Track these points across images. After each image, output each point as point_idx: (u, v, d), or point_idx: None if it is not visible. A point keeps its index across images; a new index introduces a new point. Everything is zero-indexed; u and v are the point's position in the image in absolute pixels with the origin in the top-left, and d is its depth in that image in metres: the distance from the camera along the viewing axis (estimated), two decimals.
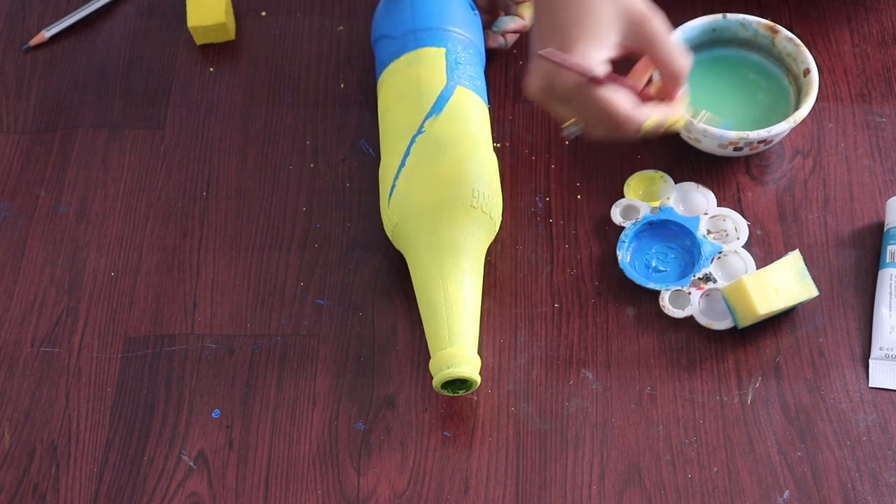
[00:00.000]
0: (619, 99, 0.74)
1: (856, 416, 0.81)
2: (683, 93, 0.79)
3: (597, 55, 0.74)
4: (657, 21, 0.76)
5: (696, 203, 0.90)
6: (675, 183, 0.91)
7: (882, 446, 0.80)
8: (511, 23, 0.95)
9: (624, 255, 0.88)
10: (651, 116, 0.76)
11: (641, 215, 0.89)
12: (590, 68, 0.73)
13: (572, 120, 0.78)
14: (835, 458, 0.80)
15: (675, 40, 0.77)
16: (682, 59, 0.77)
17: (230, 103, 0.98)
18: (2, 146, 0.97)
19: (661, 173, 0.91)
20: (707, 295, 0.86)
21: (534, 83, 0.75)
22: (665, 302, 0.86)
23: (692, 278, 0.86)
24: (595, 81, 0.73)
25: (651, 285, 0.86)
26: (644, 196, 0.91)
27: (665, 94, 0.79)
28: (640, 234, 0.89)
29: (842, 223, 0.89)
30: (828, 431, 0.81)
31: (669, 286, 0.86)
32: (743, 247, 0.88)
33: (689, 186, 0.91)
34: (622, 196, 0.91)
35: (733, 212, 0.89)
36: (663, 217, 0.89)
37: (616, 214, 0.90)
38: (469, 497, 0.80)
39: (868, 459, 0.80)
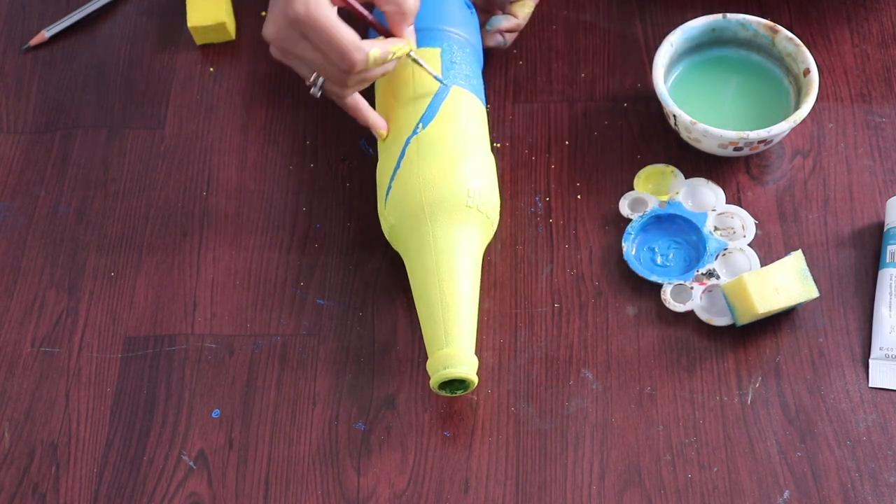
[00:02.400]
0: (345, 29, 0.78)
1: (856, 416, 0.81)
2: (411, 34, 0.83)
3: None
4: None
5: (705, 199, 0.90)
6: (686, 178, 0.91)
7: (882, 446, 0.80)
8: (504, 21, 0.95)
9: (629, 248, 0.88)
10: (374, 47, 0.79)
11: (649, 208, 0.90)
12: (308, 8, 0.76)
13: (314, 74, 0.81)
14: (835, 458, 0.80)
15: None
16: (410, 1, 0.81)
17: (230, 103, 0.98)
18: (2, 146, 0.97)
19: (671, 168, 0.91)
20: (709, 291, 0.86)
21: (269, 25, 0.79)
22: (666, 295, 0.86)
23: (695, 273, 0.86)
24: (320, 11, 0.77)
25: (654, 278, 0.86)
26: (654, 190, 0.91)
27: (394, 32, 0.83)
28: (647, 227, 0.89)
29: (842, 223, 0.89)
30: (828, 431, 0.81)
31: (672, 280, 0.86)
32: (749, 245, 0.88)
33: (699, 182, 0.91)
34: (622, 196, 0.91)
35: (741, 209, 0.89)
36: (671, 211, 0.89)
37: (624, 206, 0.90)
38: (469, 497, 0.80)
39: (868, 459, 0.80)
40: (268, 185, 0.94)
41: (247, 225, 0.92)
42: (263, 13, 1.02)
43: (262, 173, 0.94)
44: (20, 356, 0.87)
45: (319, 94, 0.83)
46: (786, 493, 0.79)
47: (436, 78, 0.85)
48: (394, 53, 0.82)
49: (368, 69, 0.81)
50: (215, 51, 1.01)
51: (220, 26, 1.00)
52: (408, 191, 0.83)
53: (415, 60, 0.85)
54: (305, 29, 0.78)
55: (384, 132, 0.86)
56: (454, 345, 0.79)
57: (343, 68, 0.79)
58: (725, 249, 0.87)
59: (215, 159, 0.95)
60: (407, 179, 0.83)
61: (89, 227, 0.92)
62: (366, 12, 0.82)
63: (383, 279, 0.88)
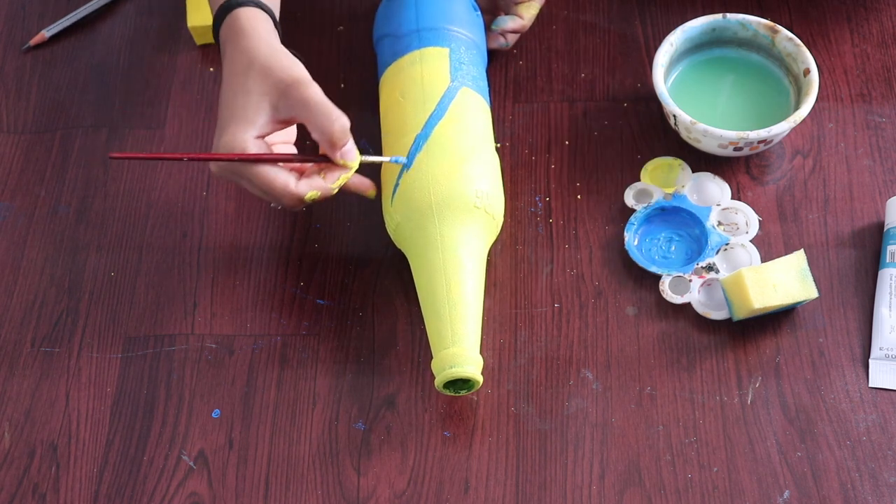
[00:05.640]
0: (275, 175, 0.78)
1: (856, 416, 0.81)
2: (347, 154, 0.80)
3: (245, 135, 0.77)
4: (309, 86, 0.78)
5: (711, 193, 0.90)
6: (693, 172, 0.91)
7: (882, 446, 0.80)
8: (510, 22, 0.95)
9: (631, 238, 0.88)
10: (310, 190, 0.79)
11: (654, 200, 0.90)
12: (234, 154, 0.77)
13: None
14: (835, 458, 0.80)
15: (329, 103, 0.78)
16: (337, 122, 0.78)
17: None
18: (2, 146, 0.97)
19: (678, 161, 0.91)
20: (708, 285, 0.86)
21: (211, 164, 0.80)
22: (665, 286, 0.86)
23: (695, 266, 0.86)
24: (244, 159, 0.77)
25: (654, 269, 0.86)
26: (660, 182, 0.91)
27: (329, 157, 0.80)
28: (651, 218, 0.89)
29: (842, 223, 0.89)
30: (828, 431, 0.81)
31: (672, 272, 0.86)
32: (751, 241, 0.88)
33: (706, 176, 0.91)
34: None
35: (746, 205, 0.89)
36: (675, 204, 0.89)
37: (629, 197, 0.90)
38: (469, 497, 0.80)
39: (868, 459, 0.80)
40: None
41: (247, 225, 0.92)
42: None
43: None
44: (20, 356, 0.87)
45: (280, 207, 0.84)
46: (786, 493, 0.79)
47: (392, 161, 0.83)
48: (337, 182, 0.81)
49: (322, 198, 0.80)
50: (215, 51, 1.01)
51: None
52: (415, 190, 0.83)
53: (367, 162, 0.83)
54: (238, 176, 0.79)
55: (373, 192, 0.85)
56: (460, 344, 0.79)
57: (284, 205, 0.80)
58: (727, 244, 0.87)
59: None
60: (415, 179, 0.83)
61: (89, 227, 0.92)
62: (288, 157, 0.80)
63: (383, 279, 0.88)
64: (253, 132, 0.78)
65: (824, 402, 0.82)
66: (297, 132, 0.85)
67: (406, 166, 0.83)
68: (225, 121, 0.79)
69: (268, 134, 0.79)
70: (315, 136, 0.79)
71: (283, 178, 0.78)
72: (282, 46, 0.80)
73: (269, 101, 0.78)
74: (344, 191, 0.83)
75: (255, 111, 0.78)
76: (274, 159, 0.78)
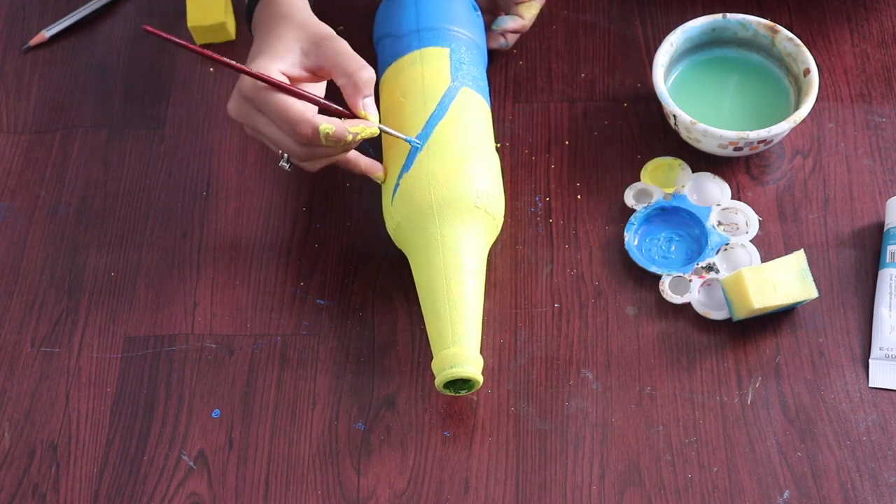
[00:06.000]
0: (293, 101, 0.79)
1: (856, 416, 0.81)
2: (368, 105, 0.81)
3: (271, 66, 0.79)
4: (337, 41, 0.81)
5: (711, 193, 0.90)
6: (693, 172, 0.91)
7: (882, 446, 0.80)
8: (510, 22, 0.95)
9: (631, 238, 0.88)
10: (325, 122, 0.79)
11: (654, 200, 0.90)
12: (258, 73, 0.78)
13: (285, 155, 0.83)
14: (835, 458, 0.80)
15: (358, 56, 0.81)
16: (365, 69, 0.81)
17: None
18: (2, 146, 0.97)
19: (679, 161, 0.91)
20: (708, 285, 0.86)
21: (231, 102, 0.81)
22: (665, 286, 0.86)
23: (695, 266, 0.86)
24: (268, 83, 0.78)
25: (654, 269, 0.86)
26: (660, 182, 0.91)
27: (350, 107, 0.82)
28: (651, 218, 0.89)
29: (842, 223, 0.89)
30: (828, 431, 0.81)
31: (672, 272, 0.86)
32: (751, 241, 0.88)
33: (706, 176, 0.91)
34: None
35: (746, 205, 0.89)
36: (675, 204, 0.89)
37: (629, 197, 0.90)
38: (469, 497, 0.80)
39: (868, 459, 0.80)
40: (268, 185, 0.94)
41: (247, 225, 0.92)
42: None
43: (262, 173, 0.94)
44: (20, 356, 0.87)
45: (289, 167, 0.84)
46: (786, 493, 0.79)
47: (406, 140, 0.84)
48: (357, 134, 0.80)
49: (329, 145, 0.80)
50: (215, 51, 1.01)
51: (220, 26, 1.00)
52: (416, 190, 0.83)
53: (384, 131, 0.83)
54: (257, 102, 0.79)
55: (382, 174, 0.86)
56: (460, 344, 0.79)
57: (296, 140, 0.80)
58: (727, 244, 0.87)
59: (215, 159, 0.95)
60: (415, 178, 0.83)
61: (89, 227, 0.92)
62: (311, 94, 0.81)
63: (383, 279, 0.88)
64: (279, 65, 0.80)
65: (824, 402, 0.82)
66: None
67: (418, 148, 0.84)
68: (253, 55, 0.81)
69: (293, 77, 0.81)
70: (340, 82, 0.81)
71: (301, 105, 0.79)
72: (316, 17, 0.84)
73: (299, 46, 0.81)
74: (354, 170, 0.84)
75: (285, 50, 0.80)
76: (297, 93, 0.79)
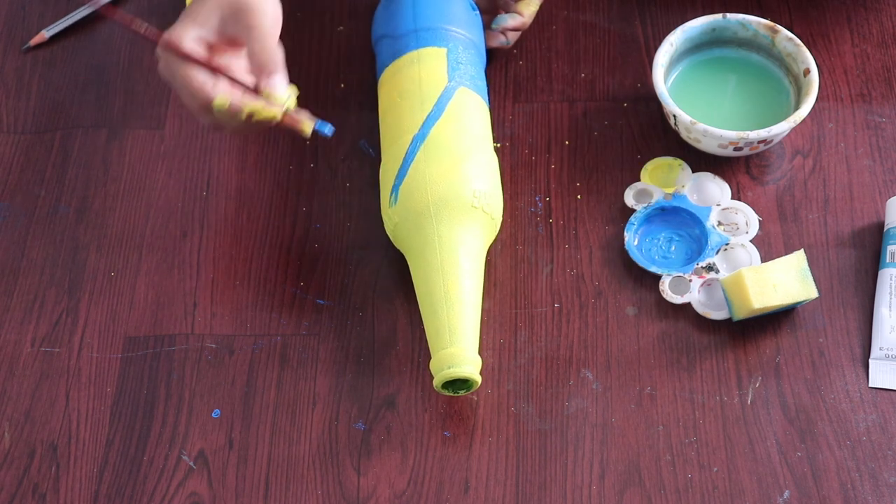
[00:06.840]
0: (196, 72, 0.79)
1: (856, 416, 0.81)
2: (273, 86, 0.79)
3: (186, 32, 0.79)
4: (259, 15, 0.79)
5: (711, 193, 0.90)
6: (693, 172, 0.91)
7: (882, 446, 0.80)
8: (510, 20, 0.95)
9: (631, 238, 0.88)
10: (222, 94, 0.79)
11: (654, 200, 0.90)
12: (167, 39, 0.79)
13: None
14: (835, 458, 0.80)
15: (273, 37, 0.79)
16: (272, 54, 0.79)
17: None
18: (2, 146, 0.97)
19: (678, 161, 0.91)
20: (708, 285, 0.86)
21: (160, 64, 0.82)
22: (665, 286, 0.86)
23: (695, 266, 0.86)
24: (171, 49, 0.79)
25: (654, 269, 0.86)
26: (660, 182, 0.91)
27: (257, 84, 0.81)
28: (651, 218, 0.89)
29: (842, 223, 0.89)
30: (828, 431, 0.81)
31: (672, 272, 0.86)
32: (751, 241, 0.88)
33: (706, 176, 0.91)
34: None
35: (746, 205, 0.89)
36: (675, 204, 0.89)
37: (629, 197, 0.90)
38: (469, 497, 0.80)
39: (868, 459, 0.80)
40: (268, 186, 0.94)
41: (247, 225, 0.92)
42: None
43: (262, 173, 0.94)
44: (20, 356, 0.87)
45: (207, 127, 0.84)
46: (786, 493, 0.79)
47: (316, 128, 0.81)
48: (256, 114, 0.79)
49: (230, 113, 0.79)
50: None
51: None
52: (413, 190, 0.83)
53: (288, 116, 0.80)
54: (170, 70, 0.80)
55: (307, 125, 0.81)
56: (458, 344, 0.79)
57: (196, 108, 0.80)
58: (727, 244, 0.87)
59: (215, 159, 0.95)
60: (413, 179, 0.83)
61: (89, 227, 0.92)
62: (218, 64, 0.80)
63: (383, 279, 0.88)
64: (194, 32, 0.80)
65: (824, 402, 0.82)
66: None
67: (325, 134, 0.81)
68: (178, 22, 0.81)
69: (210, 44, 0.80)
70: (249, 60, 0.80)
71: (203, 77, 0.79)
72: None
73: (219, 13, 0.80)
74: (279, 126, 0.81)
75: (205, 18, 0.80)
76: (206, 64, 0.79)
